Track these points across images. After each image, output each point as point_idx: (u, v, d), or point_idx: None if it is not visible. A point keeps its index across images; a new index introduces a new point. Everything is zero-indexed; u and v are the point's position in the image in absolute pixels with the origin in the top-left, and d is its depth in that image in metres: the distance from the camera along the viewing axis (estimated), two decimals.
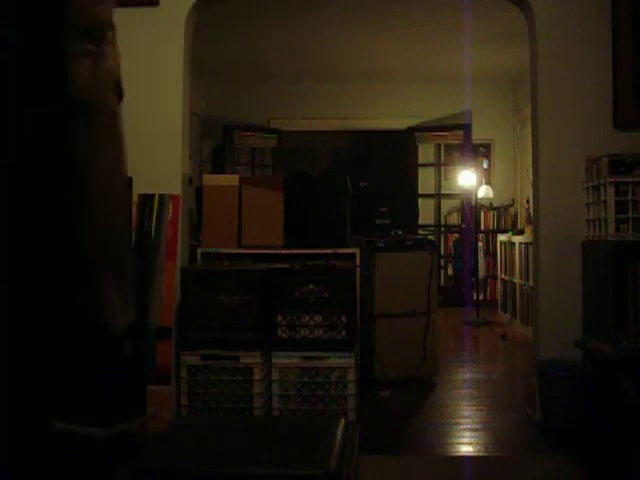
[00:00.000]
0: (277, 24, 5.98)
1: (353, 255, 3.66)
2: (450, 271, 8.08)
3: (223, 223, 3.62)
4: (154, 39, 3.32)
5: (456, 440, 3.22)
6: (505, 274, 6.95)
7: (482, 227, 7.99)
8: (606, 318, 3.02)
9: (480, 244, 7.62)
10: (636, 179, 3.14)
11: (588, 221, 3.30)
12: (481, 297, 7.34)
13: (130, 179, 2.87)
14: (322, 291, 3.24)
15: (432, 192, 8.20)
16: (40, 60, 0.85)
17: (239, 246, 3.63)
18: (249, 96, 7.95)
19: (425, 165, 8.22)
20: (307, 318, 3.23)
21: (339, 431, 1.68)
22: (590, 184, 3.28)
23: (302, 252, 3.56)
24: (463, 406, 3.77)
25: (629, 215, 3.12)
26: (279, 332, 3.24)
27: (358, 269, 3.62)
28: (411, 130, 8.00)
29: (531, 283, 5.34)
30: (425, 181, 8.09)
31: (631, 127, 3.28)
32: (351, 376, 3.20)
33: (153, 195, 3.28)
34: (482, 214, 7.99)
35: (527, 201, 6.64)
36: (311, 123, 8.13)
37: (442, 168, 8.28)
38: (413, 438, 3.23)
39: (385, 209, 4.51)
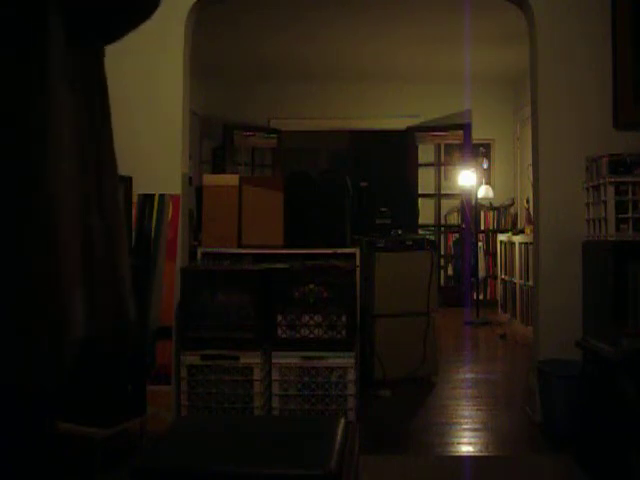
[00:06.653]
0: (277, 24, 5.98)
1: (353, 255, 3.66)
2: (450, 271, 8.08)
3: (223, 223, 3.62)
4: (154, 39, 3.32)
5: (456, 440, 3.22)
6: (505, 274, 6.95)
7: (482, 227, 7.99)
8: (606, 318, 3.02)
9: (480, 244, 7.61)
10: (636, 179, 3.14)
11: (588, 221, 3.30)
12: (481, 297, 7.33)
13: (130, 179, 2.87)
14: (322, 291, 3.24)
15: (432, 192, 8.20)
16: None
17: (239, 246, 3.63)
18: (249, 96, 7.94)
19: (425, 165, 8.22)
20: (307, 318, 3.23)
21: (339, 431, 1.68)
22: (590, 184, 3.28)
23: (302, 252, 3.56)
24: (463, 406, 3.77)
25: (629, 215, 3.12)
26: (279, 332, 3.24)
27: (358, 269, 3.62)
28: (411, 130, 8.00)
29: (531, 283, 5.34)
30: (425, 181, 8.09)
31: (631, 127, 3.28)
32: (351, 376, 3.20)
33: (153, 195, 3.28)
34: (482, 214, 7.98)
35: (527, 201, 6.64)
36: (311, 123, 8.13)
37: (442, 168, 8.28)
38: (413, 438, 3.23)
39: (385, 209, 4.50)
